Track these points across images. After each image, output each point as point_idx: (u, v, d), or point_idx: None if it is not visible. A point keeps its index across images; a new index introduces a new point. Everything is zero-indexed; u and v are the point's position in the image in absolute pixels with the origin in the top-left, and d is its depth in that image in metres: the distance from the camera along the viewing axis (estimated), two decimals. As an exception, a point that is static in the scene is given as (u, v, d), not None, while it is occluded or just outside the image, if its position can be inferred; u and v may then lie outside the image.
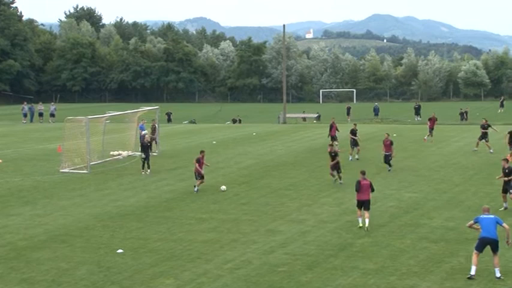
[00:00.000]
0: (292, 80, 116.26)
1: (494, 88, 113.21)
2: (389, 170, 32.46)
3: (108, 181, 31.82)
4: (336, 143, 38.62)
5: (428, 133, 45.49)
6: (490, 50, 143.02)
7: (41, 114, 71.79)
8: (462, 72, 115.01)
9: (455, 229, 21.40)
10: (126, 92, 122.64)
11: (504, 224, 17.05)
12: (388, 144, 33.10)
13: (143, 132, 39.59)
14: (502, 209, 23.68)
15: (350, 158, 36.45)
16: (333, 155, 29.56)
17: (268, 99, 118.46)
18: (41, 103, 76.95)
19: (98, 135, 39.22)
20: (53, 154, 39.53)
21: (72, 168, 35.14)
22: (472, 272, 16.69)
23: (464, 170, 32.91)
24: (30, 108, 72.45)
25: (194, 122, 70.97)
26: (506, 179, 23.88)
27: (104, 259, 18.84)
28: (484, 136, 39.76)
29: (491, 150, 38.41)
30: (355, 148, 37.20)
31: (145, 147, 34.05)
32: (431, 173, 32.17)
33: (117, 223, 23.14)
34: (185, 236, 21.26)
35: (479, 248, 16.84)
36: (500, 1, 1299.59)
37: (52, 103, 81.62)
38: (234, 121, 69.88)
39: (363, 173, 22.07)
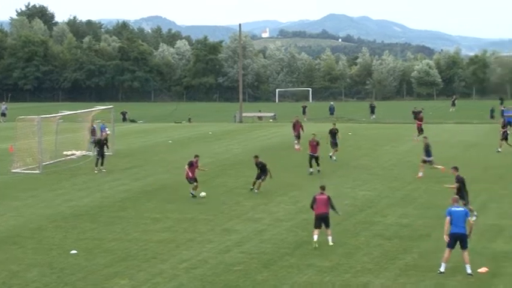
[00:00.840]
0: (248, 79, 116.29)
1: (446, 87, 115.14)
2: (318, 171, 31.72)
3: (61, 181, 31.33)
4: (296, 141, 38.74)
5: (418, 133, 44.51)
6: (442, 50, 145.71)
7: (-9, 114, 70.36)
8: (415, 71, 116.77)
9: (409, 226, 21.70)
10: (80, 91, 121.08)
11: (470, 218, 17.19)
12: (314, 145, 31.77)
13: (106, 129, 40.50)
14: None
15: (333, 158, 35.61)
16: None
17: (224, 98, 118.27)
18: (-9, 102, 75.34)
19: (50, 134, 38.52)
20: (4, 154, 38.72)
21: (24, 168, 34.51)
22: (442, 269, 16.81)
23: (417, 169, 33.29)
24: (-19, 108, 70.94)
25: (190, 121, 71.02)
26: (452, 186, 22.95)
27: (56, 260, 18.53)
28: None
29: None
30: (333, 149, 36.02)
31: (102, 145, 33.80)
32: (385, 172, 32.55)
33: (71, 223, 22.80)
34: (140, 236, 21.06)
35: (451, 245, 16.88)
36: (451, 2, 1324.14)
37: (3, 102, 79.96)
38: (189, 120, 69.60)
39: (323, 188, 20.28)
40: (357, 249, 19.24)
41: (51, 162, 36.32)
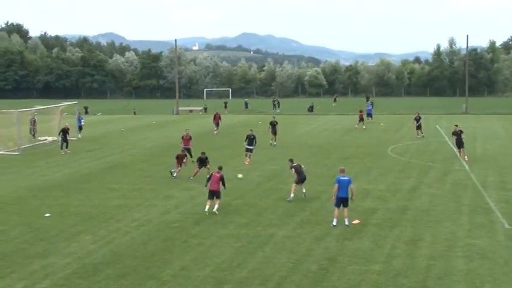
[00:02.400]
0: (183, 82, 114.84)
1: (329, 88, 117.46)
2: (193, 161, 26.22)
3: (37, 160, 30.16)
4: (215, 128, 38.83)
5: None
6: (326, 61, 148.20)
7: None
8: (307, 76, 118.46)
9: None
10: (51, 90, 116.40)
11: (352, 186, 17.17)
12: (187, 139, 28.38)
13: (82, 120, 40.02)
14: None
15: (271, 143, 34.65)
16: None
17: (164, 96, 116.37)
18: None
19: (27, 124, 37.06)
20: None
21: (7, 150, 33.00)
22: (334, 223, 17.03)
23: (309, 148, 33.98)
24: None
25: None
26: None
27: (34, 221, 17.88)
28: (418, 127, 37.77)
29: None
30: (274, 136, 34.84)
31: (65, 133, 32.71)
32: (286, 150, 32.86)
33: (45, 193, 22.01)
34: (100, 202, 20.57)
35: (338, 205, 17.09)
36: (332, 24, 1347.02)
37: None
38: (134, 113, 68.17)
39: (220, 168, 19.26)
40: (265, 209, 19.42)
41: (29, 145, 34.89)
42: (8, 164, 29.09)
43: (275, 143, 34.60)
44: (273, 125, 35.05)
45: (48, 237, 16.36)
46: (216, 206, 18.61)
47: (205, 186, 19.15)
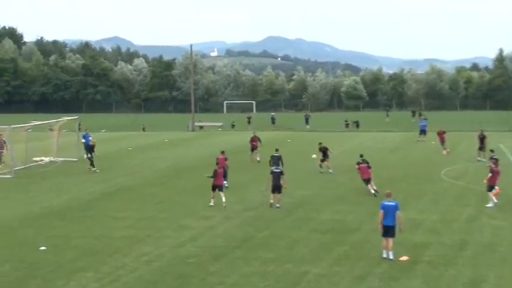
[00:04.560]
0: (199, 93, 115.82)
1: (370, 100, 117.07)
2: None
3: (32, 184, 30.56)
4: (252, 153, 37.38)
5: (442, 147, 40.86)
6: (366, 68, 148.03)
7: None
8: (344, 87, 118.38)
9: (341, 221, 21.88)
10: (48, 103, 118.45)
11: (398, 212, 17.22)
12: (223, 160, 28.48)
13: (90, 138, 38.10)
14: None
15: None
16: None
17: (178, 109, 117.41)
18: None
19: (21, 143, 37.56)
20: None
21: (-3, 173, 33.53)
22: (384, 255, 17.03)
23: (347, 170, 33.64)
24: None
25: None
26: None
27: (27, 256, 18.00)
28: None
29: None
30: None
31: (91, 149, 34.83)
32: (318, 174, 32.67)
33: (40, 222, 22.22)
34: (104, 232, 20.67)
35: (384, 234, 17.10)
36: (374, 27, 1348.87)
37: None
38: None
39: (222, 151, 26.62)
40: (296, 242, 19.29)
41: (22, 167, 35.40)
42: (-1, 188, 29.52)
43: (330, 171, 32.47)
44: (324, 151, 33.19)
45: (43, 274, 16.46)
46: (223, 199, 23.94)
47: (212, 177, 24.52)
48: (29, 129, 39.29)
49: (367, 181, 26.64)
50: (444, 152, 40.18)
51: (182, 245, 19.06)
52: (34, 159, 38.29)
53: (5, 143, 36.45)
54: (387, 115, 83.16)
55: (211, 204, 24.02)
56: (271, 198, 24.18)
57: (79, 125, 55.54)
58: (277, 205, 23.88)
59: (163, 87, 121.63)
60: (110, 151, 44.64)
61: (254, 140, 37.98)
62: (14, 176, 32.89)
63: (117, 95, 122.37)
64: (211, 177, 24.36)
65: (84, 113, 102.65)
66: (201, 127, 72.90)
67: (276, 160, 29.19)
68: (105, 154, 42.59)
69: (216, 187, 24.33)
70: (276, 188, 24.07)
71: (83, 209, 24.49)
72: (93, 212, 24.02)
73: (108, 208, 24.67)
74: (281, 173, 24.44)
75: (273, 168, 25.60)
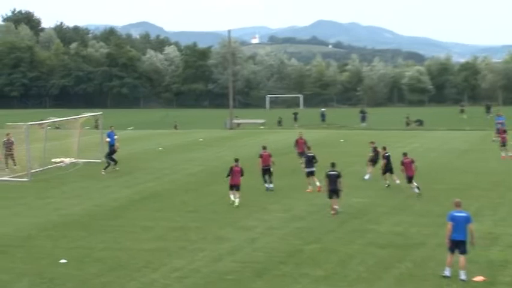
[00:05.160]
0: (238, 86, 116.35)
1: (437, 94, 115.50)
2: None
3: (51, 189, 31.18)
4: (301, 161, 35.72)
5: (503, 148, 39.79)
6: (433, 57, 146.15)
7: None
8: (406, 78, 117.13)
9: (403, 234, 21.66)
10: (68, 97, 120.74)
11: (470, 224, 17.01)
12: (267, 156, 29.86)
13: (116, 137, 38.56)
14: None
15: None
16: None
17: (214, 104, 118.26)
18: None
19: (38, 142, 38.31)
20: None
21: (12, 176, 34.31)
22: (447, 273, 16.91)
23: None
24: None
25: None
26: None
27: (46, 270, 18.38)
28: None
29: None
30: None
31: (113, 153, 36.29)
32: (378, 178, 32.43)
33: (60, 232, 22.64)
34: (131, 244, 20.93)
35: (452, 250, 16.96)
36: (441, 9, 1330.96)
37: (-10, 109, 79.54)
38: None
39: (237, 160, 27.09)
40: (351, 257, 19.18)
41: (40, 170, 36.13)
42: (14, 193, 30.23)
43: (398, 181, 30.37)
44: (376, 152, 32.42)
45: (64, 289, 16.77)
46: (237, 200, 25.96)
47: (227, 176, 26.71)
48: (47, 126, 40.01)
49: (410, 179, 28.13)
50: (503, 155, 39.10)
51: (219, 260, 19.16)
52: (53, 160, 39.02)
53: (13, 143, 36.42)
54: (462, 111, 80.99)
55: (235, 204, 26.01)
56: (332, 204, 24.69)
57: (96, 121, 56.32)
58: (335, 207, 24.64)
59: (198, 79, 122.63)
60: (137, 152, 45.19)
61: (300, 143, 36.78)
62: (30, 179, 33.61)
63: (146, 87, 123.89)
64: (228, 176, 26.53)
65: (109, 109, 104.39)
66: (238, 124, 73.19)
67: (309, 160, 29.82)
68: (131, 155, 43.16)
69: (234, 187, 26.31)
70: (334, 193, 24.53)
71: (107, 218, 24.87)
72: (118, 221, 24.36)
73: (135, 217, 24.98)
74: (338, 175, 24.77)
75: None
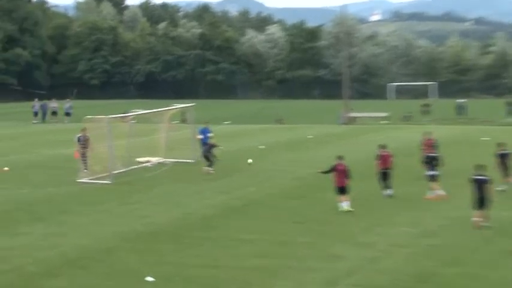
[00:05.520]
0: (355, 72, 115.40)
1: None
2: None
3: (136, 193, 31.88)
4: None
5: None
6: None
7: (54, 113, 72.93)
8: None
9: None
10: (155, 86, 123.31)
11: None
12: (388, 156, 30.28)
13: (209, 135, 39.46)
14: None
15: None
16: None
17: (325, 94, 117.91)
18: (54, 100, 78.13)
19: (122, 138, 39.17)
20: (68, 161, 39.64)
21: (92, 177, 35.26)
22: None
23: None
24: (42, 106, 73.77)
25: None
26: None
27: (131, 288, 18.77)
28: None
29: None
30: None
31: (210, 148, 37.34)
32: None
33: (147, 245, 23.06)
34: (229, 261, 21.04)
35: None
36: None
37: (67, 100, 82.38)
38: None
39: (340, 157, 27.61)
40: (499, 285, 18.57)
41: (123, 170, 37.00)
42: (94, 198, 31.12)
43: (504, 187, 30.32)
44: (502, 156, 31.16)
45: (150, 312, 17.06)
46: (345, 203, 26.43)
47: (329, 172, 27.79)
48: (132, 120, 40.89)
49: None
50: None
51: (334, 282, 18.98)
52: (138, 160, 39.86)
53: (88, 140, 36.65)
54: None
55: (344, 208, 26.68)
56: (475, 216, 24.00)
57: (183, 114, 55.41)
58: (486, 224, 23.89)
59: (306, 64, 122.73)
60: (234, 150, 45.54)
61: (428, 143, 35.24)
62: (113, 182, 34.51)
63: (244, 74, 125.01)
64: (325, 172, 27.73)
65: (201, 99, 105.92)
66: (355, 118, 72.51)
67: (430, 161, 29.44)
68: (228, 154, 43.54)
69: (340, 190, 26.77)
70: (482, 202, 23.91)
71: (200, 228, 25.14)
72: (213, 232, 24.56)
73: (232, 228, 25.14)
74: (487, 181, 24.10)
75: (474, 175, 24.70)
